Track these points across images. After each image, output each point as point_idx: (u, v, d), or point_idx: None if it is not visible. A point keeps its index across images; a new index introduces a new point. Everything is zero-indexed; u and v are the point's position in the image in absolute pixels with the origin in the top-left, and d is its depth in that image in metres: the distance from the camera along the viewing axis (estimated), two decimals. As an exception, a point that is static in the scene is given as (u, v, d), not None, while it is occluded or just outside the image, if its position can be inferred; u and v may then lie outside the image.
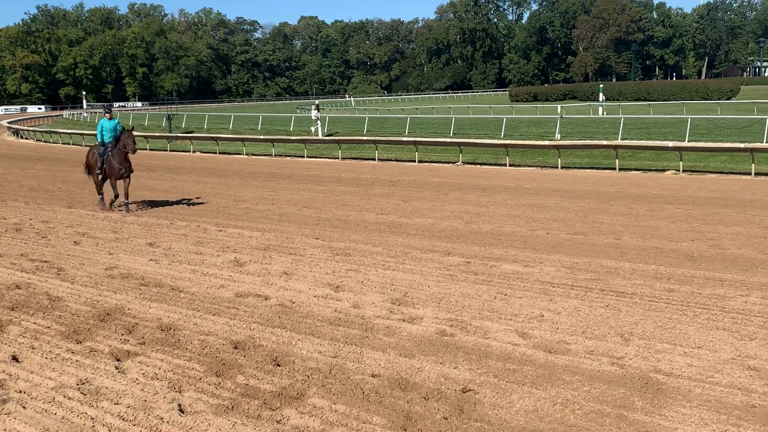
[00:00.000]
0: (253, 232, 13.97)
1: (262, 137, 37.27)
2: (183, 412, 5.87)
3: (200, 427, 5.62)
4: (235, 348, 7.40)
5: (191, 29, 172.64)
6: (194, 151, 37.82)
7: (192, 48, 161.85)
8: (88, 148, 18.72)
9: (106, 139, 17.39)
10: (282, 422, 5.72)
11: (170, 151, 38.89)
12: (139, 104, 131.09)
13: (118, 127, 17.43)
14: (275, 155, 34.19)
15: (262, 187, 21.73)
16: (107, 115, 17.86)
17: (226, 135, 40.22)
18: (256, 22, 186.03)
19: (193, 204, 18.07)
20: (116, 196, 17.42)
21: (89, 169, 18.00)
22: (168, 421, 5.73)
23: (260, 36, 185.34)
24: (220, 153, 36.38)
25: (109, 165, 17.12)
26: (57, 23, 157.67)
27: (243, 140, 36.76)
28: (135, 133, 18.03)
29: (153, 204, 18.02)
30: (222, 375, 6.68)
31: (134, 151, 16.71)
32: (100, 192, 17.75)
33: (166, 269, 11.03)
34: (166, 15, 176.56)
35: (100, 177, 17.41)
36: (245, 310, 8.81)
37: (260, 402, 6.08)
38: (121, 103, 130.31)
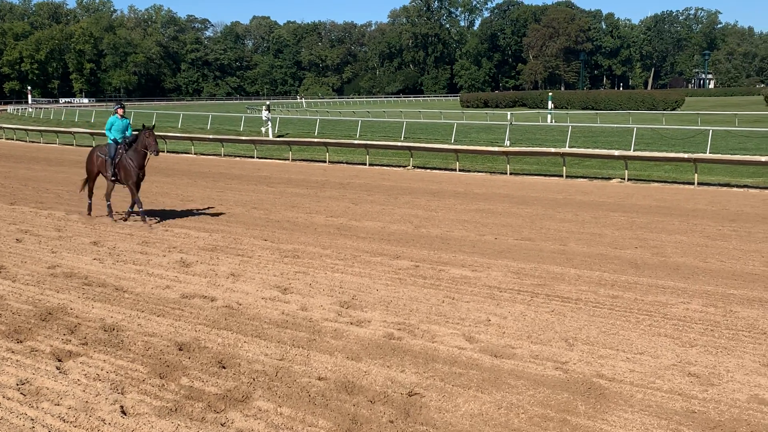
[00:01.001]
0: (200, 233, 13.82)
1: (211, 137, 36.89)
2: (125, 414, 5.78)
3: (142, 430, 5.53)
4: (180, 350, 7.30)
5: (141, 26, 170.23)
6: (142, 150, 37.25)
7: (141, 45, 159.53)
8: (89, 152, 16.21)
9: (118, 139, 15.28)
10: (226, 425, 5.66)
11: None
12: (85, 100, 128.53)
13: (129, 128, 15.54)
14: (224, 155, 33.87)
15: (210, 187, 21.51)
16: (119, 111, 15.55)
17: (175, 134, 39.70)
18: (207, 20, 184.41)
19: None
20: (135, 203, 15.17)
21: (88, 172, 15.78)
22: (110, 423, 5.63)
23: (211, 35, 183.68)
24: (168, 152, 35.90)
25: (125, 169, 14.90)
26: (3, 16, 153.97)
27: (192, 139, 36.35)
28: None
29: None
30: (166, 377, 6.59)
31: (158, 153, 14.65)
32: (91, 198, 15.84)
33: (110, 269, 10.85)
34: (115, 11, 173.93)
35: (113, 184, 15.42)
36: (191, 311, 8.70)
37: (204, 404, 6.01)
38: (68, 99, 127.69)
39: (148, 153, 14.67)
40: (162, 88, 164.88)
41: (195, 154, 35.10)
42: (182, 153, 35.60)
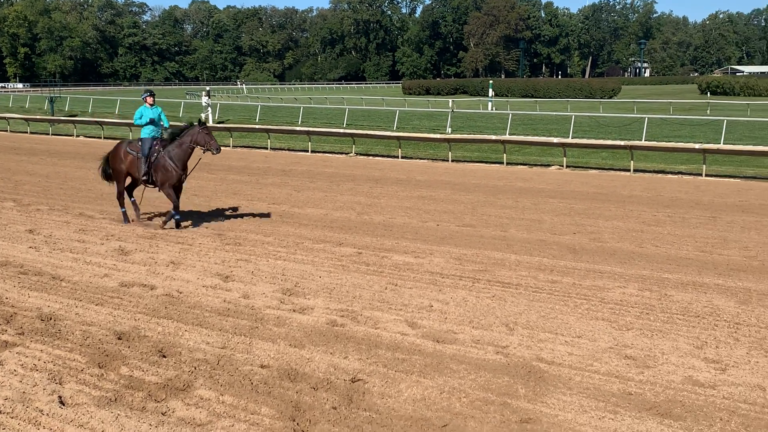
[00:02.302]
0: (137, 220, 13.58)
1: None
2: (64, 404, 5.68)
3: (81, 420, 5.45)
4: (119, 339, 7.20)
5: (76, 9, 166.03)
6: (78, 136, 36.40)
7: (77, 29, 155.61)
8: (115, 145, 13.80)
9: (150, 133, 13.04)
10: (167, 414, 5.61)
11: (52, 135, 37.32)
12: (20, 85, 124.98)
13: (162, 117, 13.35)
14: (164, 142, 33.33)
15: (149, 174, 21.14)
16: (149, 99, 13.22)
17: (112, 120, 38.92)
18: (145, 4, 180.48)
19: (77, 189, 17.41)
20: (176, 208, 12.92)
21: (115, 173, 13.36)
22: (48, 414, 5.53)
23: (149, 19, 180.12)
24: (105, 138, 35.16)
25: (164, 169, 12.61)
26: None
27: (129, 125, 35.60)
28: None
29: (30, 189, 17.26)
30: (105, 366, 6.49)
31: (218, 150, 12.41)
32: (123, 204, 13.53)
33: (46, 257, 10.61)
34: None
35: (151, 186, 13.16)
36: (130, 300, 8.58)
37: (145, 394, 5.94)
38: (1, 84, 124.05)
39: (202, 151, 12.72)
40: (99, 73, 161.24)
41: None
42: (119, 139, 34.90)
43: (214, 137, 12.74)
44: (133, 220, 13.45)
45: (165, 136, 13.14)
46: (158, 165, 12.72)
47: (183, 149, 12.67)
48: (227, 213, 14.57)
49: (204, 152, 12.82)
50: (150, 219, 13.87)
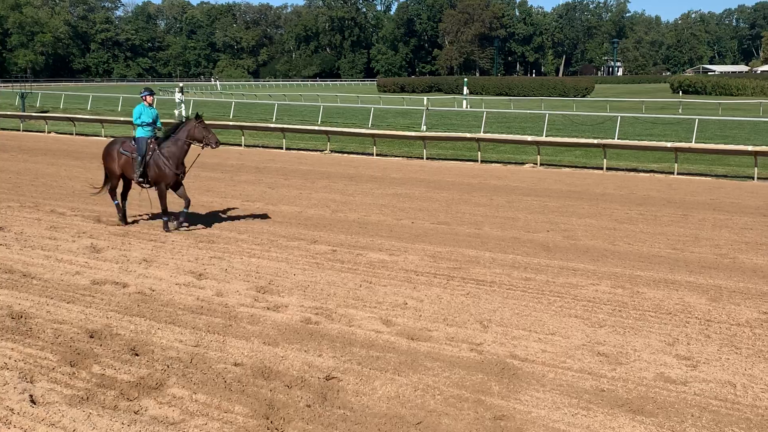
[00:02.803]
0: (110, 218, 13.45)
1: (122, 119, 35.84)
2: (35, 403, 5.62)
3: (53, 418, 5.39)
4: (91, 337, 7.13)
5: (48, 4, 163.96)
6: (49, 132, 35.97)
7: (48, 24, 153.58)
8: (107, 144, 13.24)
9: (146, 133, 12.47)
10: (140, 413, 5.57)
11: (23, 131, 36.85)
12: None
13: (158, 120, 12.86)
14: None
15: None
16: (148, 98, 12.74)
17: (84, 116, 38.50)
18: (118, 0, 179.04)
19: (49, 186, 17.21)
20: (164, 212, 12.52)
21: (109, 172, 12.92)
22: (18, 413, 5.47)
23: (122, 14, 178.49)
24: (77, 134, 34.78)
25: (158, 168, 12.18)
26: None
27: (102, 122, 35.30)
28: None
29: None
30: (77, 365, 6.43)
31: (218, 144, 12.20)
32: (115, 197, 13.05)
33: (17, 254, 10.48)
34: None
35: (147, 187, 12.65)
36: (102, 297, 8.51)
37: (117, 392, 5.89)
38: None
39: (198, 147, 12.26)
40: (71, 68, 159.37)
41: (105, 137, 34.10)
42: (92, 136, 34.55)
43: (212, 131, 12.31)
44: (120, 220, 12.96)
45: (159, 134, 12.76)
46: (153, 164, 12.26)
47: (179, 146, 12.26)
48: (200, 211, 14.47)
49: (203, 148, 12.34)
50: (147, 219, 13.30)
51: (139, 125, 12.52)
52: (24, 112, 43.56)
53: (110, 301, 8.40)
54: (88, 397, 5.77)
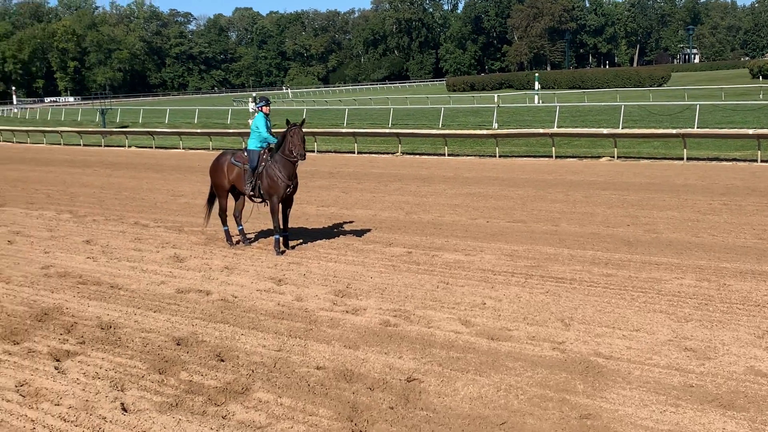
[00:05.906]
0: (192, 227, 13.77)
1: (199, 131, 36.78)
2: (126, 411, 5.79)
3: (144, 426, 5.54)
4: (178, 344, 7.31)
5: (123, 22, 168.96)
6: (130, 146, 37.10)
7: (125, 41, 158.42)
8: (215, 158, 12.48)
9: (259, 145, 11.65)
10: (227, 417, 5.68)
11: (105, 146, 38.09)
12: (71, 99, 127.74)
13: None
14: (213, 149, 33.75)
15: (200, 181, 21.40)
16: (265, 108, 11.80)
17: (162, 129, 39.60)
18: (190, 14, 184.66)
19: (131, 199, 17.71)
20: (283, 228, 11.71)
21: (217, 188, 12.21)
22: (111, 421, 5.64)
23: (194, 28, 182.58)
24: (156, 147, 35.75)
25: (271, 181, 11.29)
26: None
27: (180, 134, 36.20)
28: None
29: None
30: (165, 372, 6.59)
31: (304, 157, 11.12)
32: (226, 222, 12.34)
33: (104, 267, 10.83)
34: (97, 7, 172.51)
35: (258, 201, 11.89)
36: (187, 306, 8.71)
37: (205, 398, 6.02)
38: (53, 98, 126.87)
39: (296, 159, 11.20)
40: (147, 83, 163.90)
41: (183, 149, 34.96)
42: (170, 148, 35.45)
43: (304, 139, 11.21)
44: (238, 242, 12.26)
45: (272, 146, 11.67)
46: (265, 175, 11.41)
47: (284, 158, 11.27)
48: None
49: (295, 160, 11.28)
50: (251, 242, 12.50)
51: (266, 136, 11.62)
52: (105, 127, 44.98)
53: (195, 308, 8.59)
54: (177, 404, 5.92)
